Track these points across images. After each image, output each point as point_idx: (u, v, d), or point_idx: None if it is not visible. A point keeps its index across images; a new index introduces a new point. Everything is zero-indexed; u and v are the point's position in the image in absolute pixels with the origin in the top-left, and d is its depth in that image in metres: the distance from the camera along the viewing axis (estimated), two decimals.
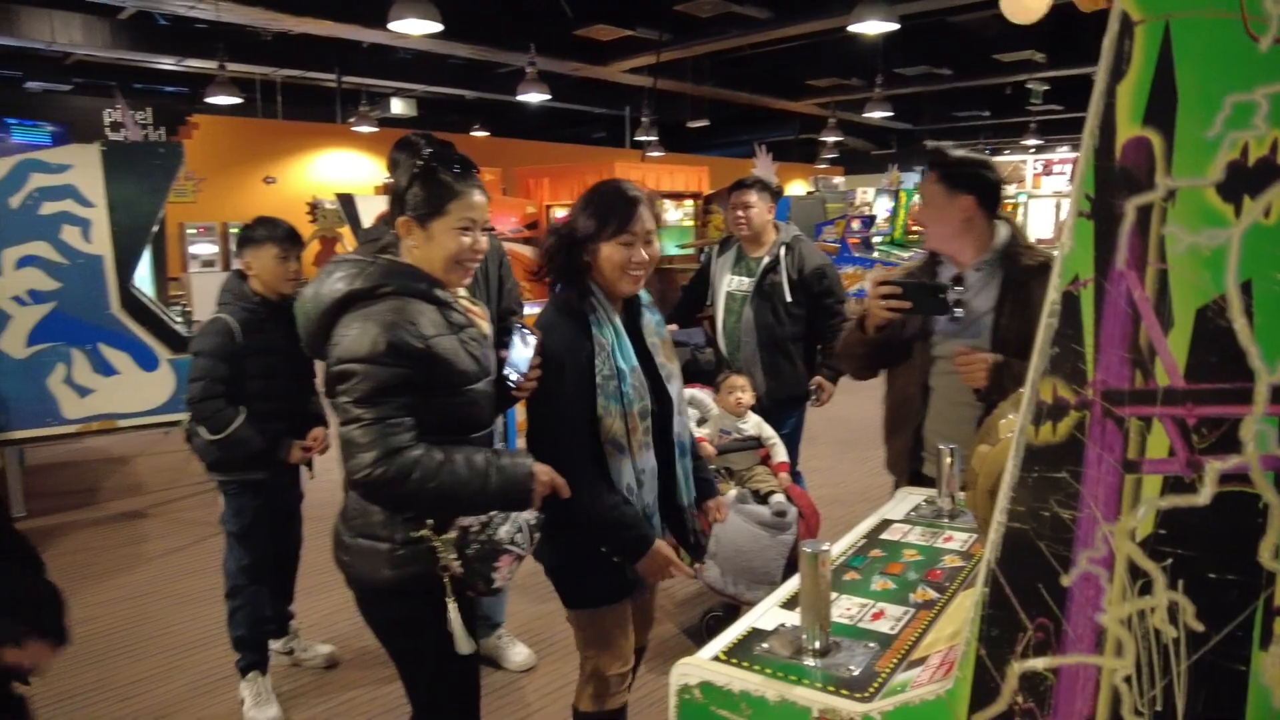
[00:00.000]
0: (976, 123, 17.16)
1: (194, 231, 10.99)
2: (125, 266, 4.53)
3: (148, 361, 4.64)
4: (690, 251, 9.74)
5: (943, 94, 14.64)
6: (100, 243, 4.43)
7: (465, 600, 1.71)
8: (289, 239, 2.73)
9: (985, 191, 2.16)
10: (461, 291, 1.83)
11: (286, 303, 2.73)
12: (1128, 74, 0.81)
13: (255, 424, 2.68)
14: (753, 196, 3.41)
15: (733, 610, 3.02)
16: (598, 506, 1.82)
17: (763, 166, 8.13)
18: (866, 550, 1.71)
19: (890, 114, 11.97)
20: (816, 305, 3.45)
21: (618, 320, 1.90)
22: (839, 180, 17.33)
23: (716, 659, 1.26)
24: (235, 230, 8.57)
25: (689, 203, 10.47)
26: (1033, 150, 17.98)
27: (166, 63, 10.89)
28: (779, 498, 3.06)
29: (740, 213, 3.43)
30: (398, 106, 13.67)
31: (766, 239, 3.47)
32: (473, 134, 14.50)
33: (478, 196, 1.72)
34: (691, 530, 2.04)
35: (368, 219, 7.64)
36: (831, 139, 14.64)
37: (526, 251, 7.58)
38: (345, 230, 10.14)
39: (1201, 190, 0.80)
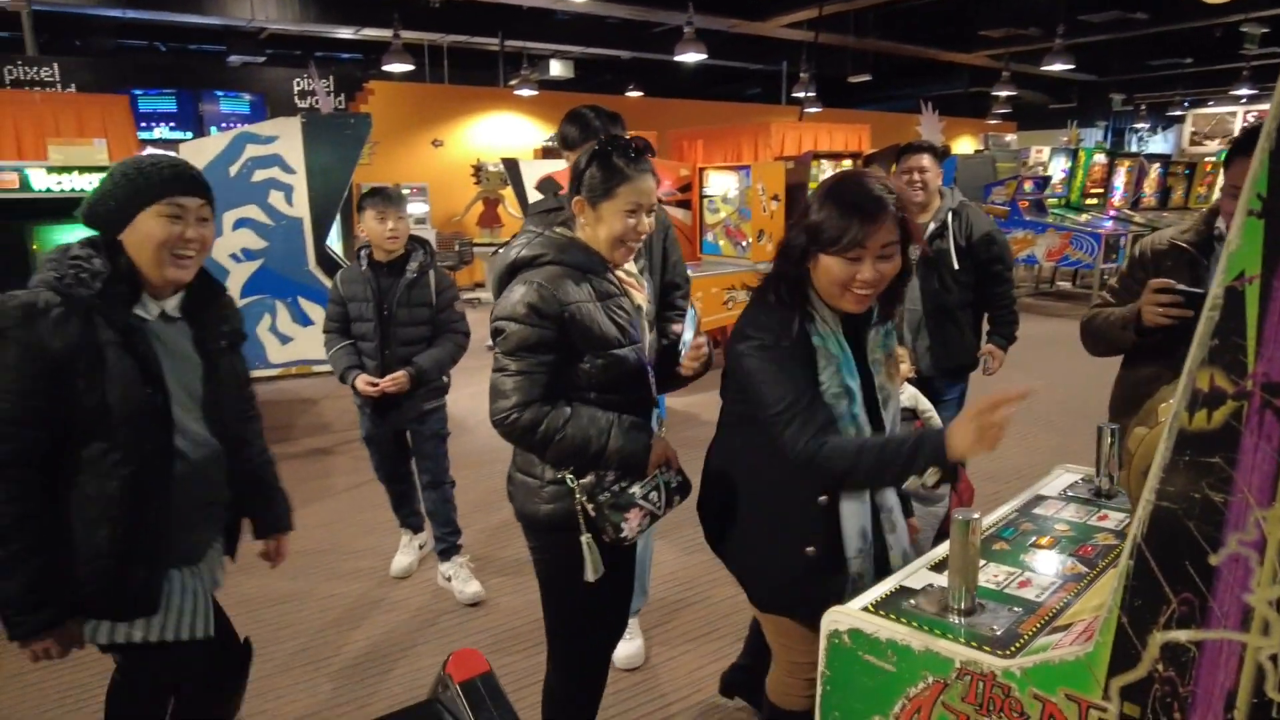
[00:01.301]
0: (1174, 72, 15.60)
1: None
2: (321, 228, 5.02)
3: None
4: None
5: (1135, 41, 13.38)
6: (300, 206, 4.92)
7: (607, 546, 1.83)
8: (383, 200, 3.17)
9: None
10: (631, 266, 1.95)
11: (388, 263, 3.24)
12: None
13: (351, 356, 3.26)
14: (926, 160, 3.37)
15: None
16: (841, 453, 1.59)
17: (928, 124, 7.79)
18: (1018, 523, 1.75)
19: (1071, 66, 11.10)
20: (985, 272, 3.39)
21: (840, 334, 1.71)
22: (1011, 138, 16.21)
23: (865, 609, 1.36)
24: (406, 191, 9.35)
25: (848, 163, 10.19)
26: (1244, 101, 16.13)
27: (345, 33, 11.69)
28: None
29: (916, 176, 3.39)
30: (556, 68, 13.97)
31: (932, 205, 3.43)
32: (627, 94, 14.63)
33: (646, 182, 1.82)
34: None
35: (530, 182, 7.98)
36: (1004, 93, 13.76)
37: (679, 214, 7.67)
38: (507, 192, 10.58)
39: None
